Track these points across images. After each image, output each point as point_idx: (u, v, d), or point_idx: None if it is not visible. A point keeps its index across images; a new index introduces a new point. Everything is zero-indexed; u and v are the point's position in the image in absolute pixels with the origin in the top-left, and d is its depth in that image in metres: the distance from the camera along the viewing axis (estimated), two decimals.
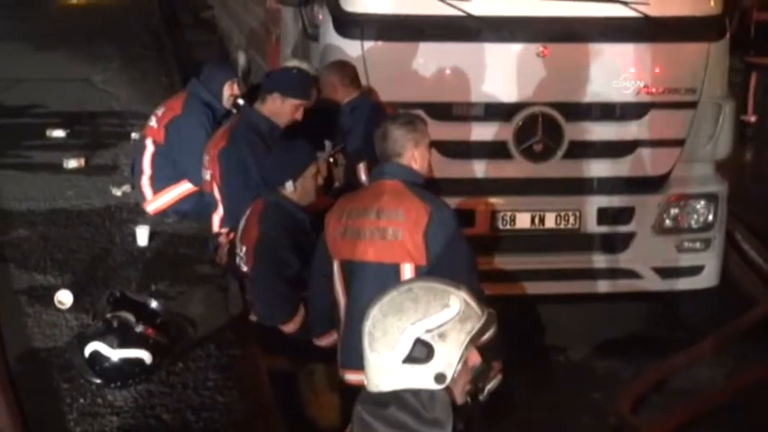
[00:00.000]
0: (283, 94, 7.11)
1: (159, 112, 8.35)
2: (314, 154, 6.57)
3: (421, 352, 3.02)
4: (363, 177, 6.83)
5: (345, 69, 7.31)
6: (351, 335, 5.55)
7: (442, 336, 3.04)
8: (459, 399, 3.11)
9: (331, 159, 7.09)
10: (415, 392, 3.03)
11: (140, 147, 8.44)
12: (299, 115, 7.16)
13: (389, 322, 3.04)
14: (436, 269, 5.28)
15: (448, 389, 3.06)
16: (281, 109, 7.13)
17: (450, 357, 3.04)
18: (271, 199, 6.30)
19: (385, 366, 3.04)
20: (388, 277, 5.33)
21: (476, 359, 3.13)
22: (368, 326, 3.08)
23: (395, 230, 5.42)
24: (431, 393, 3.03)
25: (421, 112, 7.38)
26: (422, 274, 5.34)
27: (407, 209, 5.44)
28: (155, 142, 8.23)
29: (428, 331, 3.03)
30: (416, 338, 3.02)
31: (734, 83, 9.13)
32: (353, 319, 5.53)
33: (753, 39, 12.62)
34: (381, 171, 5.70)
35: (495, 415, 5.98)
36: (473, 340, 3.08)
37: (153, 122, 8.30)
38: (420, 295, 3.08)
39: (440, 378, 3.04)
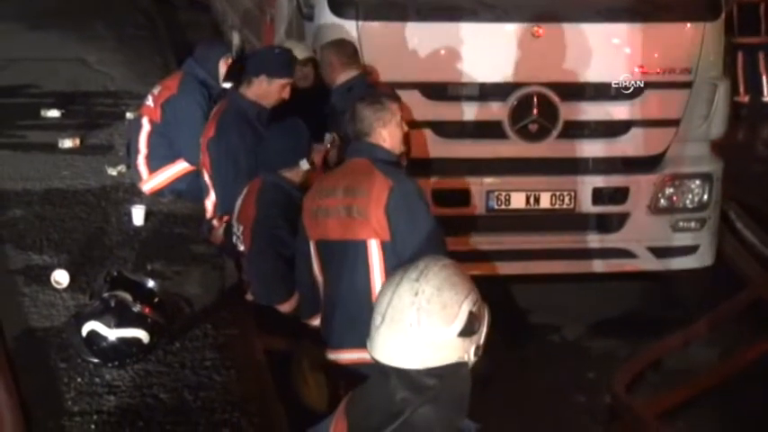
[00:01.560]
0: (270, 75, 7.07)
1: (156, 91, 8.33)
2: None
3: (473, 325, 3.03)
4: None
5: (343, 47, 7.28)
6: (331, 314, 5.58)
7: (481, 309, 3.05)
8: None
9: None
10: (458, 366, 3.02)
11: (136, 126, 8.42)
12: (285, 94, 7.13)
13: (447, 296, 3.01)
14: (401, 244, 5.31)
15: None
16: (268, 90, 7.09)
17: (483, 330, 3.05)
18: (269, 179, 6.29)
19: (440, 340, 3.00)
20: (356, 255, 5.39)
21: None
22: (417, 301, 3.02)
23: (359, 208, 5.42)
24: (466, 365, 3.04)
25: (416, 92, 7.42)
26: (388, 249, 5.37)
27: (370, 185, 5.43)
28: (151, 121, 8.21)
29: (474, 304, 3.04)
30: (469, 311, 3.02)
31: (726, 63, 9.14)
32: (331, 299, 5.58)
33: (737, 19, 12.68)
34: (352, 150, 5.75)
35: (490, 394, 5.99)
36: None
37: (149, 101, 8.28)
38: (459, 270, 3.08)
39: (477, 351, 3.04)
